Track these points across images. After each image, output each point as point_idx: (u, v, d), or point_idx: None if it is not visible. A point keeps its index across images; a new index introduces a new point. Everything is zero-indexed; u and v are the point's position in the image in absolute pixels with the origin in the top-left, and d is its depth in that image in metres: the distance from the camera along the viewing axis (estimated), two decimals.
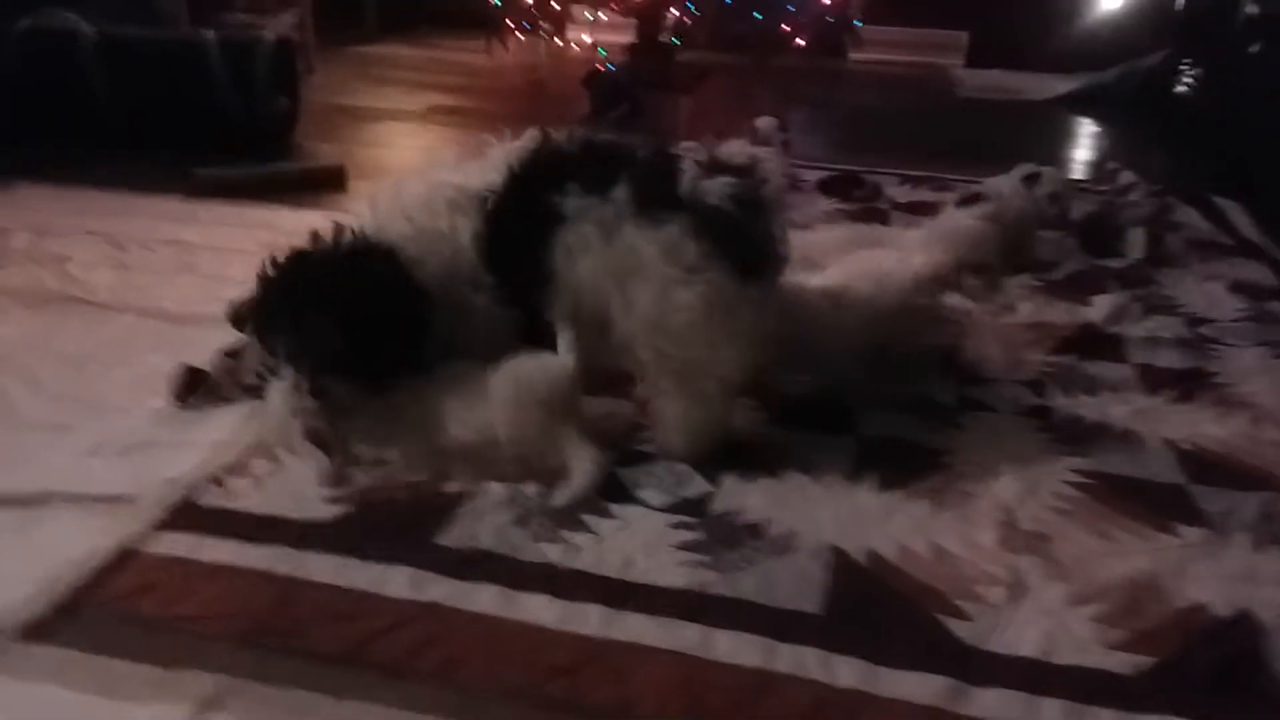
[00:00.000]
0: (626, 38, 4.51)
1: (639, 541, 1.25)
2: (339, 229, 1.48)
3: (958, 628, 1.12)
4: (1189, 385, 1.71)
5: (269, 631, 1.07)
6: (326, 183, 2.69)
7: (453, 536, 1.23)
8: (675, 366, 1.38)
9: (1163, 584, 1.20)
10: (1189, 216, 2.65)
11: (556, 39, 5.11)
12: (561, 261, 1.39)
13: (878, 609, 1.15)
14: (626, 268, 1.35)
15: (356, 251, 1.45)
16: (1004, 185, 2.27)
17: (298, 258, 1.46)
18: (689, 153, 1.47)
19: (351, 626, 1.08)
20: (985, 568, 1.22)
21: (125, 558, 1.17)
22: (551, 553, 1.22)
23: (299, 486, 1.32)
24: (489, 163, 1.48)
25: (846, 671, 1.04)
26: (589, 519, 1.29)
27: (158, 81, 2.90)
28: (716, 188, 1.34)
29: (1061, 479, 1.42)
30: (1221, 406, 1.64)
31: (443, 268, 1.45)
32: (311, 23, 4.40)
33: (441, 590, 1.14)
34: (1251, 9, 2.84)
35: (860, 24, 4.50)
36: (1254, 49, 2.79)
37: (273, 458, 1.38)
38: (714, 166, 1.39)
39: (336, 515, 1.27)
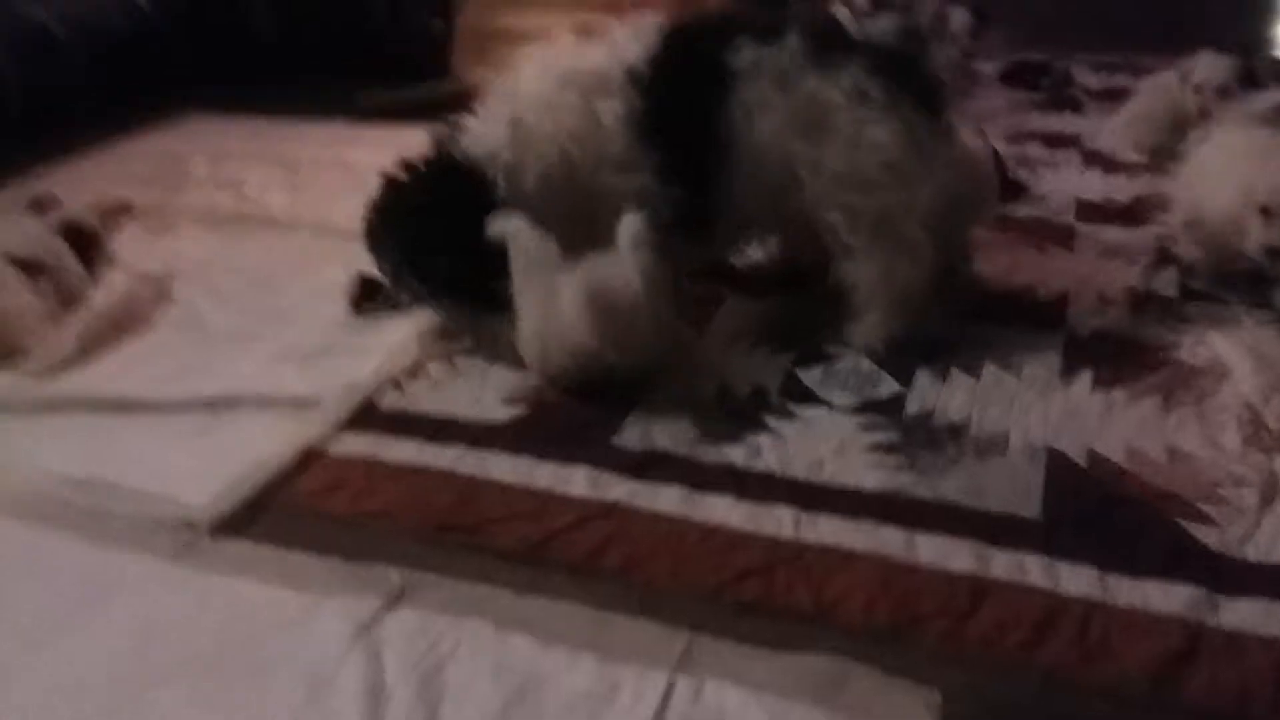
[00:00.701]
0: None
1: (828, 443, 1.16)
2: (435, 146, 1.40)
3: (1203, 533, 0.99)
4: None
5: (452, 528, 1.04)
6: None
7: (630, 437, 1.18)
8: (871, 219, 1.28)
9: None
10: None
11: None
12: (741, 123, 1.29)
13: (1107, 514, 1.02)
14: (812, 118, 1.28)
15: (437, 173, 1.38)
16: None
17: (391, 183, 1.41)
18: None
19: (533, 525, 1.04)
20: (1231, 468, 1.07)
21: (311, 457, 1.17)
22: (734, 454, 1.15)
23: (474, 390, 1.30)
24: (620, 42, 1.37)
25: (1076, 580, 0.93)
26: (770, 420, 1.21)
27: (316, 9, 2.93)
28: (884, 25, 1.29)
29: None
30: None
31: (562, 163, 1.33)
32: None
33: (622, 490, 1.09)
34: None
35: None
36: None
37: (448, 361, 1.36)
38: (878, 4, 1.32)
39: (512, 417, 1.24)
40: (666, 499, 1.08)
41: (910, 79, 1.27)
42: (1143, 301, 1.45)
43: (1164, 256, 1.57)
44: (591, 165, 1.34)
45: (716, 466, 1.13)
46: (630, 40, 1.36)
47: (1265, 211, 1.33)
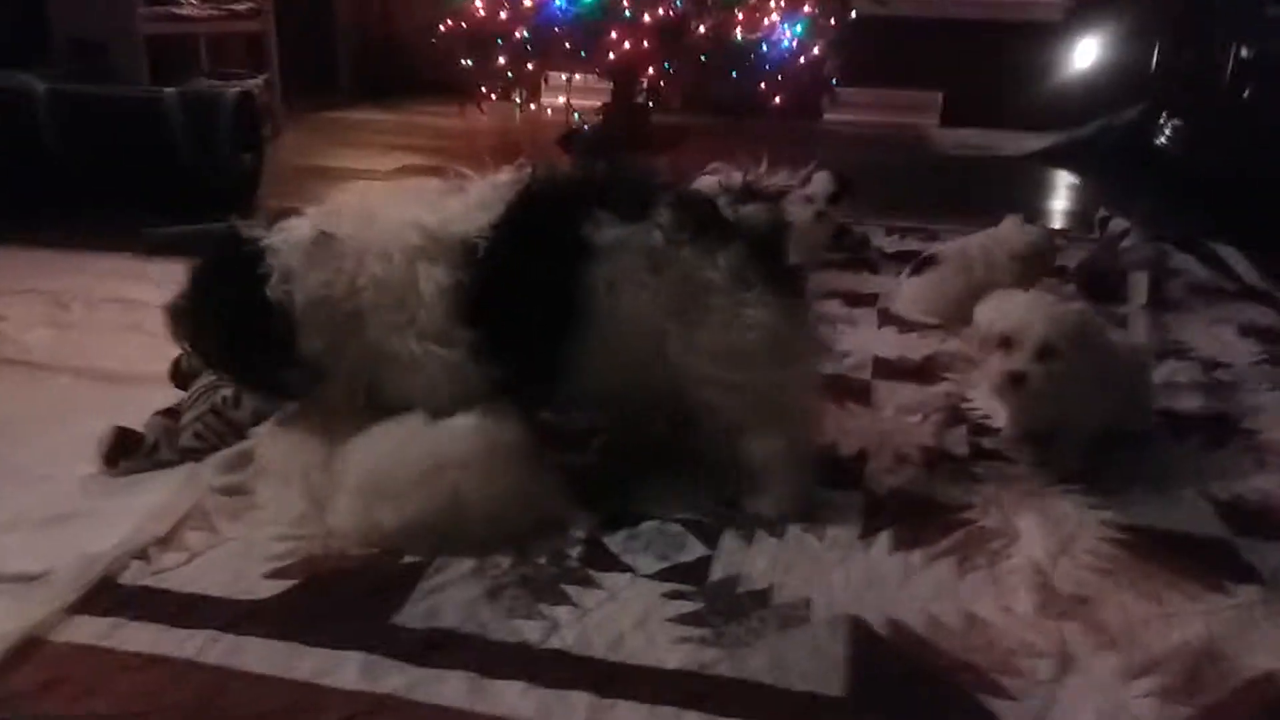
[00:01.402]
0: (599, 101, 4.46)
1: (629, 615, 1.09)
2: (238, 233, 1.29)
3: (1003, 709, 0.96)
4: (1217, 432, 1.59)
5: None
6: None
7: (413, 615, 1.07)
8: (763, 396, 1.28)
9: (1223, 650, 1.06)
10: (1186, 263, 2.56)
11: (531, 103, 5.07)
12: (601, 300, 1.24)
13: (909, 689, 0.99)
14: (687, 297, 1.25)
15: (240, 259, 1.25)
16: (973, 242, 2.16)
17: (213, 255, 1.32)
18: (722, 172, 1.37)
19: None
20: (1025, 637, 1.07)
21: (31, 647, 1.00)
22: (529, 631, 1.06)
23: (238, 559, 1.16)
24: (473, 200, 1.29)
25: None
26: (571, 590, 1.13)
27: (116, 139, 2.77)
28: (758, 213, 1.29)
29: (1095, 534, 1.28)
30: (1255, 454, 1.52)
31: (388, 315, 1.24)
32: (279, 85, 4.32)
33: (400, 679, 0.97)
34: (1245, 53, 2.79)
35: (837, 83, 4.49)
36: (1247, 93, 2.74)
37: (210, 527, 1.22)
38: (748, 191, 1.31)
39: (279, 591, 1.10)
40: (451, 689, 0.97)
41: (781, 263, 1.29)
42: (936, 460, 1.48)
43: (955, 415, 1.63)
44: (389, 326, 1.23)
45: (508, 647, 1.03)
46: (479, 201, 1.28)
47: (1006, 342, 1.40)
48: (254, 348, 1.24)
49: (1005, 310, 1.43)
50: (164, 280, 2.17)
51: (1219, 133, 3.02)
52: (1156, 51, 4.04)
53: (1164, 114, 3.78)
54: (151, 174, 2.77)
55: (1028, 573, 1.19)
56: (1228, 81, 2.86)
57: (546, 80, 4.73)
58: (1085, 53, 4.79)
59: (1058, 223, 3.13)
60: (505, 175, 1.33)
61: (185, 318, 1.29)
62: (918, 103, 5.39)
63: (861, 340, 2.00)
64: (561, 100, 4.70)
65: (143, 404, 1.48)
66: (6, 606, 1.05)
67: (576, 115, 4.56)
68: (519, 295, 1.25)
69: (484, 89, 4.72)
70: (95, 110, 2.77)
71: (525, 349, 1.27)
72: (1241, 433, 1.60)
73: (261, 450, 1.29)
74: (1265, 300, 2.32)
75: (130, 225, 2.46)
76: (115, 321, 1.93)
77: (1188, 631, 1.09)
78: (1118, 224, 2.82)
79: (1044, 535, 1.26)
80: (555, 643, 1.04)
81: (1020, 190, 3.80)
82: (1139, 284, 2.26)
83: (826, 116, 5.41)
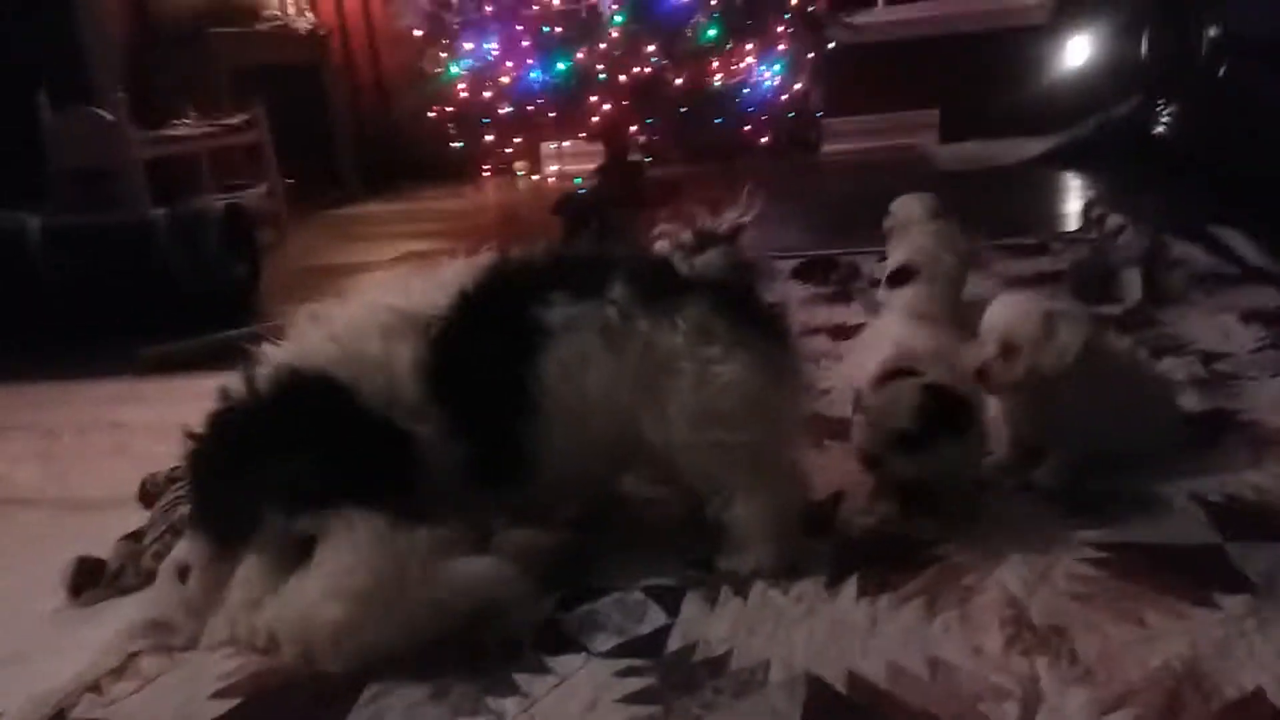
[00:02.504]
0: (595, 164, 4.51)
1: (579, 700, 1.05)
2: (248, 375, 1.27)
3: None
4: (1212, 428, 1.51)
5: None
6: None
7: None
8: (746, 454, 1.22)
9: (1206, 671, 0.98)
10: (1189, 252, 2.48)
11: (532, 174, 5.14)
12: (556, 382, 1.21)
13: None
14: (652, 368, 1.20)
15: (286, 388, 1.24)
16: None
17: (221, 419, 1.27)
18: (670, 232, 1.34)
19: None
20: (991, 679, 1.01)
21: None
22: None
23: (188, 682, 1.14)
24: (436, 281, 1.30)
25: None
26: (521, 678, 1.09)
27: (110, 266, 2.85)
28: (715, 259, 1.24)
29: (1076, 556, 1.22)
30: (1253, 447, 1.44)
31: (382, 395, 1.24)
32: (281, 191, 4.43)
33: None
34: (1213, 31, 2.73)
35: (821, 115, 4.49)
36: (1221, 71, 2.67)
37: (166, 652, 1.20)
38: (701, 240, 1.27)
39: (223, 711, 1.08)
40: None
41: (749, 310, 1.24)
42: (912, 494, 1.42)
43: None
44: (383, 401, 1.23)
45: None
46: (440, 283, 1.29)
47: (1007, 348, 1.35)
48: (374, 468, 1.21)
49: (990, 311, 1.40)
50: (159, 398, 2.23)
51: (1206, 115, 2.95)
52: (1145, 40, 3.98)
53: (1159, 103, 3.71)
54: (146, 296, 2.84)
55: (1000, 607, 1.12)
56: (1203, 63, 2.79)
57: (538, 151, 4.80)
58: (1075, 51, 4.73)
59: (1072, 225, 3.07)
60: (474, 258, 1.33)
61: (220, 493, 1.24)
62: (915, 122, 5.36)
63: (848, 374, 1.95)
64: (560, 167, 4.76)
65: (120, 530, 1.49)
66: None
67: (578, 180, 4.61)
68: (476, 375, 1.25)
69: (481, 167, 4.80)
70: (88, 241, 2.86)
71: (487, 431, 1.25)
72: (1239, 426, 1.52)
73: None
74: (1271, 281, 2.23)
75: (123, 350, 2.52)
76: (102, 446, 1.96)
77: (1169, 653, 1.02)
78: (1113, 220, 2.74)
79: (1020, 563, 1.20)
80: None
81: (1025, 197, 3.74)
82: (1132, 282, 2.18)
83: (825, 148, 5.41)
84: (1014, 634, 1.08)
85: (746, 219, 1.31)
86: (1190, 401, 1.62)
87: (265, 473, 1.18)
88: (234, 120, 4.25)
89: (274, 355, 1.29)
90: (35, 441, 2.02)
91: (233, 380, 1.28)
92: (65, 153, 3.64)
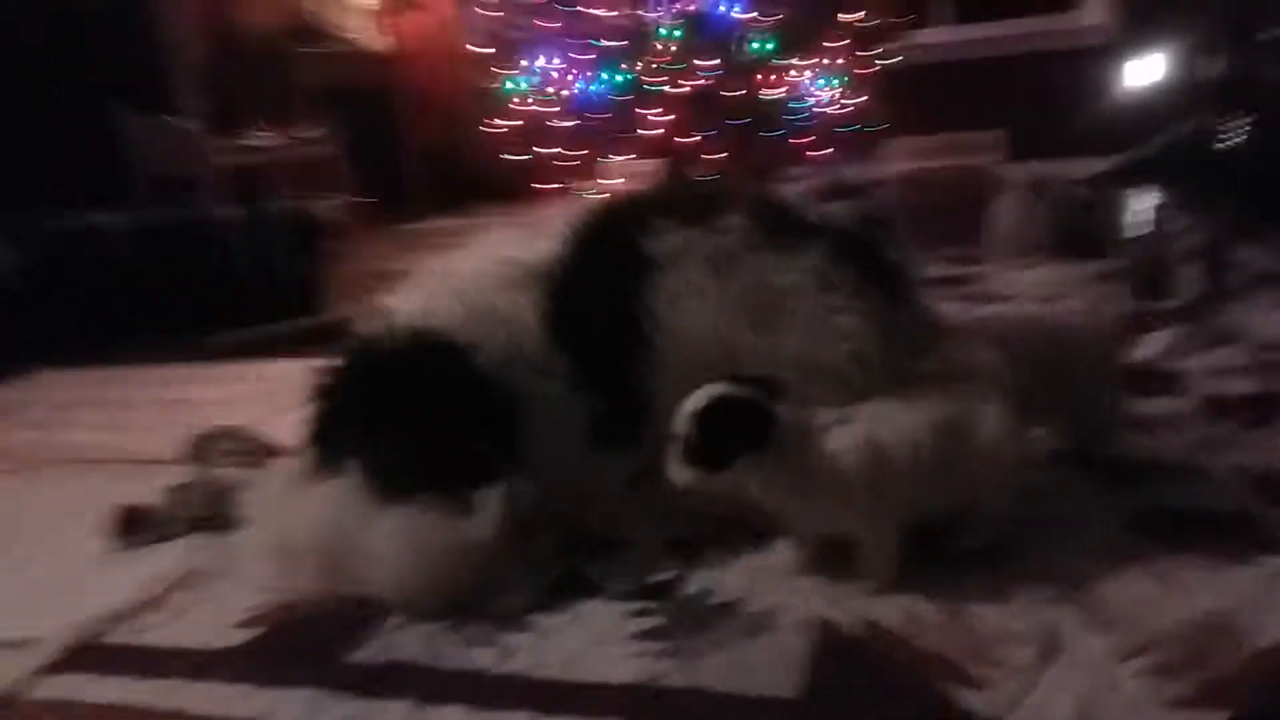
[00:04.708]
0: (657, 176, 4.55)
1: (589, 634, 1.06)
2: (381, 322, 1.24)
3: (969, 697, 0.88)
4: (1260, 409, 1.46)
5: None
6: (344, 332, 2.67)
7: (370, 651, 1.06)
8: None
9: (1236, 622, 0.95)
10: (1250, 254, 2.41)
11: (594, 189, 5.19)
12: (665, 315, 1.16)
13: (866, 684, 0.92)
14: (763, 304, 1.14)
15: (416, 346, 1.20)
16: None
17: (355, 364, 1.24)
18: (804, 177, 1.32)
19: None
20: (1010, 625, 0.99)
21: (4, 706, 1.03)
22: (483, 658, 1.03)
23: (215, 615, 1.17)
24: (544, 229, 1.26)
25: None
26: (535, 617, 1.10)
27: (184, 264, 2.97)
28: (844, 210, 1.21)
29: (1110, 518, 1.18)
30: None
31: (501, 353, 1.19)
32: (351, 204, 4.56)
33: (342, 711, 0.96)
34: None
35: (882, 131, 4.46)
36: None
37: (199, 586, 1.24)
38: (834, 190, 1.26)
39: (245, 640, 1.11)
40: (392, 717, 0.95)
41: (873, 264, 1.18)
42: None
43: None
44: (501, 360, 1.19)
45: (457, 674, 1.01)
46: (549, 230, 1.26)
47: None
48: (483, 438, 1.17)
49: None
50: (226, 379, 2.32)
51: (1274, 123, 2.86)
52: (1211, 57, 3.88)
53: (1234, 115, 3.61)
54: (216, 291, 2.95)
55: (1027, 562, 1.10)
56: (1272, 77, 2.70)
57: (599, 166, 4.86)
58: (1140, 69, 4.64)
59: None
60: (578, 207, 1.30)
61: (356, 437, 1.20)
62: (980, 143, 5.29)
63: None
64: (622, 183, 4.81)
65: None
66: None
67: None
68: (594, 318, 1.21)
69: (543, 183, 4.88)
70: (166, 239, 2.98)
71: (613, 375, 1.19)
72: None
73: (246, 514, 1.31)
74: None
75: (195, 338, 2.63)
76: (170, 418, 2.02)
77: (1200, 606, 0.98)
78: (1174, 221, 2.68)
79: (1051, 523, 1.17)
80: (509, 667, 1.01)
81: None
82: (1189, 276, 2.13)
83: (888, 164, 5.38)
84: (1038, 586, 1.05)
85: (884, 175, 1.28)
86: (1239, 385, 1.57)
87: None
88: (309, 134, 4.41)
89: (399, 310, 1.25)
90: (110, 414, 2.10)
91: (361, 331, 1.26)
92: (147, 159, 3.81)
